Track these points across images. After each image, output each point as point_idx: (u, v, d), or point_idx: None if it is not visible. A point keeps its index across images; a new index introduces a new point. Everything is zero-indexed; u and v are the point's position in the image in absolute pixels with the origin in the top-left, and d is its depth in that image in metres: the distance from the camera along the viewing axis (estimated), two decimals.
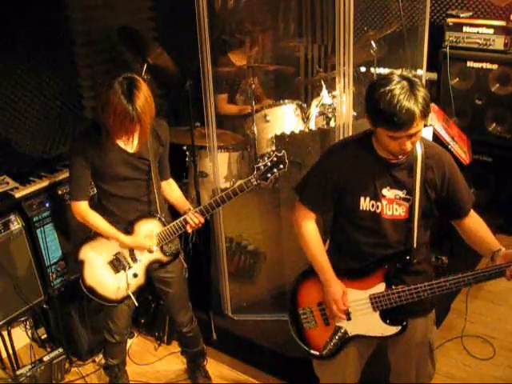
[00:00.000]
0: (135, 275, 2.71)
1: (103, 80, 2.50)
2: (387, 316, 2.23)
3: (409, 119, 1.91)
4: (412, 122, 1.92)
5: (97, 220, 2.62)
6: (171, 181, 2.87)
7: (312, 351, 2.35)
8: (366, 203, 2.15)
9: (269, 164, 2.56)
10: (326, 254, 2.29)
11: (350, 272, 2.24)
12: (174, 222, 2.66)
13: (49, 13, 3.53)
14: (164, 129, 2.71)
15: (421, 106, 1.91)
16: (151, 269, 2.75)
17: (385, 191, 2.13)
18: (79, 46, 3.81)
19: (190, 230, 2.67)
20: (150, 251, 2.67)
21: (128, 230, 2.65)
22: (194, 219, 2.63)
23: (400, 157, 2.08)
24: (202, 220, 2.65)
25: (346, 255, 2.27)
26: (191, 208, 2.70)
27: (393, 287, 2.18)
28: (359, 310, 2.24)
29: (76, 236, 3.22)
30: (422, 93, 1.93)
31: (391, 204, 2.14)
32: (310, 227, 2.31)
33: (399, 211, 2.14)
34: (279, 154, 2.56)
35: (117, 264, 2.69)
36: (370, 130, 2.15)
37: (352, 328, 2.27)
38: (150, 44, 3.71)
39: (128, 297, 2.72)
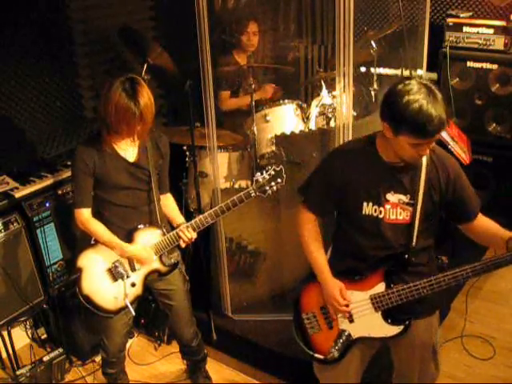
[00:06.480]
0: (133, 285, 2.67)
1: (104, 81, 2.51)
2: (389, 316, 2.22)
3: (440, 126, 1.92)
4: (442, 128, 1.93)
5: (99, 229, 2.60)
6: (169, 195, 2.86)
7: (317, 355, 2.34)
8: (368, 208, 2.15)
9: (267, 177, 2.55)
10: (324, 255, 2.30)
11: (349, 274, 2.24)
12: (168, 235, 2.64)
13: (49, 13, 3.53)
14: (164, 142, 2.72)
15: (444, 112, 1.92)
16: (150, 280, 2.73)
17: (389, 196, 2.12)
18: (79, 46, 3.82)
19: (183, 245, 2.65)
20: (150, 261, 2.66)
21: (128, 238, 2.64)
22: (186, 234, 2.61)
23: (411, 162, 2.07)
24: (195, 235, 2.63)
25: (349, 258, 2.26)
26: (185, 223, 2.67)
27: (392, 286, 2.18)
28: (361, 312, 2.23)
29: (76, 236, 3.22)
30: (440, 97, 1.93)
31: (395, 208, 2.13)
32: (311, 228, 2.31)
33: (403, 215, 2.13)
34: (277, 169, 2.56)
35: (115, 272, 2.65)
36: (373, 134, 2.14)
37: (355, 330, 2.27)
38: (150, 44, 3.72)
39: (125, 308, 2.67)
